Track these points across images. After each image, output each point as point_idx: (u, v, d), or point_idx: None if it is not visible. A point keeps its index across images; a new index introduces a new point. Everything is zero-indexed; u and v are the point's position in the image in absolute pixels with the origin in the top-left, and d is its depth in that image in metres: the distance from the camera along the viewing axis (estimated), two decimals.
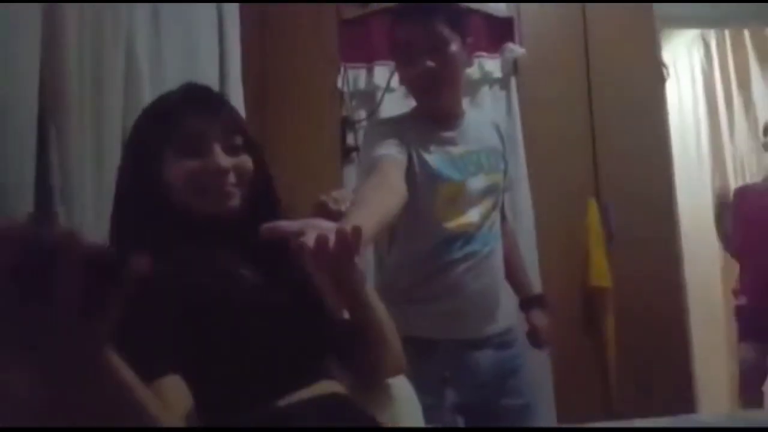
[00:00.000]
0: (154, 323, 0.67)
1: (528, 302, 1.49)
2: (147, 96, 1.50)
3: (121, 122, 1.46)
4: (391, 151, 1.21)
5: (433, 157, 1.28)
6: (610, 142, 2.08)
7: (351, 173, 2.06)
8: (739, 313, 2.44)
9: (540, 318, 1.48)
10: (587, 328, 2.02)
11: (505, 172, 1.41)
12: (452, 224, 1.28)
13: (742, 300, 2.43)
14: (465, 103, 1.95)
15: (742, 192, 2.55)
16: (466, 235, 1.30)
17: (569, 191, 2.00)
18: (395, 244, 1.36)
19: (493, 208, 1.35)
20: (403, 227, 1.31)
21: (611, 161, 2.08)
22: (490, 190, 1.34)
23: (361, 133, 2.06)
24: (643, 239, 2.05)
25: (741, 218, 2.46)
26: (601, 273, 2.02)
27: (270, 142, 1.96)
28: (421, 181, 1.25)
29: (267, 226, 0.70)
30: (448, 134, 1.32)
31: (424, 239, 1.30)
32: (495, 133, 1.41)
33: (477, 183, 1.31)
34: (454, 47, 1.26)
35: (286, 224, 0.72)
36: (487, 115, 1.67)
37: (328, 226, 0.72)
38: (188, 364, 0.67)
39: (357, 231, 0.67)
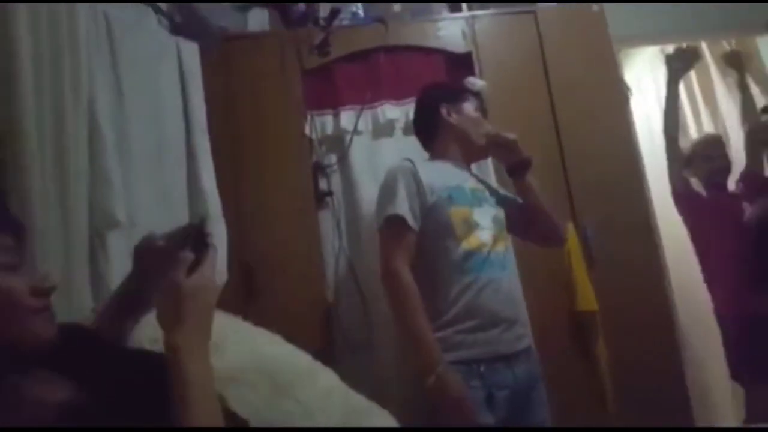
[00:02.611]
0: None
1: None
2: (112, 161, 1.50)
3: (86, 191, 1.45)
4: (404, 209, 1.52)
5: (447, 190, 1.57)
6: (581, 166, 2.09)
7: (326, 218, 2.05)
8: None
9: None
10: (579, 353, 1.98)
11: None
12: (468, 244, 1.52)
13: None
14: None
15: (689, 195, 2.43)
16: (481, 253, 1.53)
17: None
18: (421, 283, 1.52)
19: (501, 237, 1.61)
20: (426, 265, 1.53)
21: (585, 185, 2.08)
22: (497, 221, 1.62)
23: (333, 178, 2.07)
24: (626, 259, 2.04)
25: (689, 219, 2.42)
26: (587, 297, 1.99)
27: (243, 193, 1.97)
28: (436, 212, 1.54)
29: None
30: (460, 172, 1.67)
31: (446, 259, 1.52)
32: (495, 192, 1.75)
33: (483, 212, 1.59)
34: None
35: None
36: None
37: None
38: None
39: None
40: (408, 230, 1.51)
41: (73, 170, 1.42)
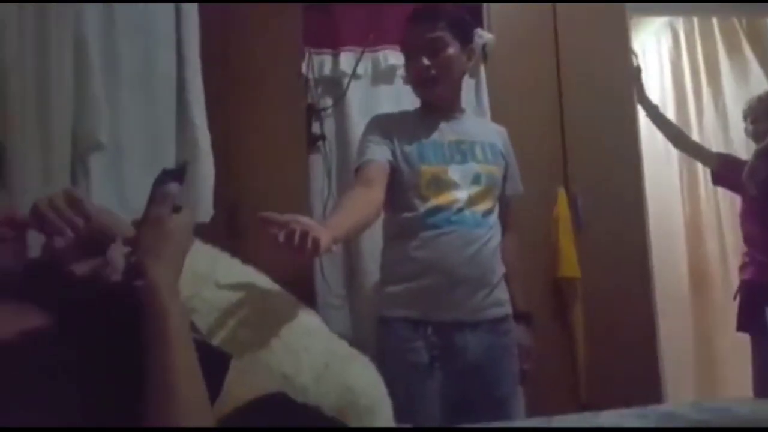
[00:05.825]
0: None
1: (514, 318, 1.53)
2: (98, 91, 1.43)
3: (69, 111, 1.38)
4: (375, 156, 1.43)
5: (418, 146, 1.46)
6: (579, 132, 2.07)
7: (317, 162, 2.00)
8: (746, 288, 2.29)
9: (524, 337, 1.56)
10: (555, 318, 2.01)
11: (505, 180, 1.57)
12: (436, 201, 1.42)
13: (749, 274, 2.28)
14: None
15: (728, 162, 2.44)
16: (451, 209, 1.42)
17: (538, 181, 1.97)
18: (387, 237, 1.52)
19: (485, 196, 1.47)
20: (394, 217, 1.48)
21: (580, 151, 2.06)
22: (480, 178, 1.47)
23: (327, 122, 2.01)
24: (612, 230, 2.05)
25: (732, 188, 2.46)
26: (570, 264, 2.01)
27: (233, 130, 1.90)
28: (405, 168, 1.45)
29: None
30: (442, 125, 1.51)
31: (411, 213, 1.43)
32: (498, 144, 1.57)
33: (463, 169, 1.45)
34: (451, 50, 1.46)
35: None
36: (493, 131, 1.65)
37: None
38: None
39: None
40: (374, 164, 1.43)
41: (56, 89, 1.36)
